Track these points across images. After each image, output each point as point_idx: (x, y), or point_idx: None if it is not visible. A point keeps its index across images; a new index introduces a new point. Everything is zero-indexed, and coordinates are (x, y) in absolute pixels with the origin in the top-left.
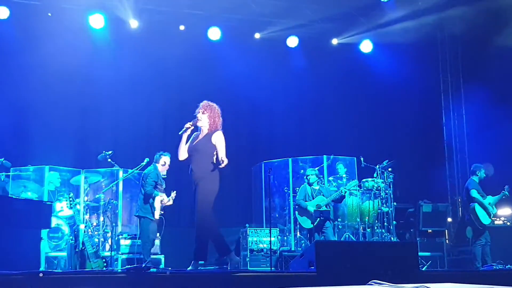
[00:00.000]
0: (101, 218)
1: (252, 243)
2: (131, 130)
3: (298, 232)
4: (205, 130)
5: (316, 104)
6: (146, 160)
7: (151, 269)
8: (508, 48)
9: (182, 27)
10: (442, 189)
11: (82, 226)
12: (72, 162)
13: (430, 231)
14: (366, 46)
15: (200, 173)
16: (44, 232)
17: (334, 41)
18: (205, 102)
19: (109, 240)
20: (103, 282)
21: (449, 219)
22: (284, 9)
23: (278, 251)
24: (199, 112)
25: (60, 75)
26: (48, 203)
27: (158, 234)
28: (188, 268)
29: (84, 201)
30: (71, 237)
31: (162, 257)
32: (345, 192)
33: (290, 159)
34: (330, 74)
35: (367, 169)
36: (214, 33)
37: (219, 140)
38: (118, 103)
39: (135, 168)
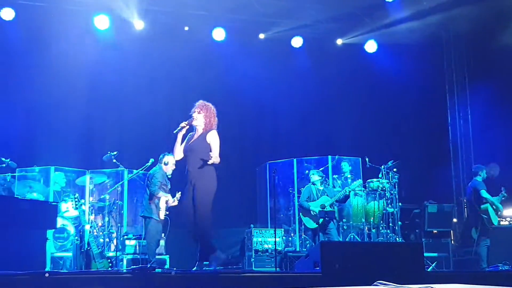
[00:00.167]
0: (106, 219)
1: (257, 243)
2: (136, 130)
3: (303, 233)
4: (200, 129)
5: (320, 104)
6: (151, 160)
7: (156, 269)
8: None
9: (186, 28)
10: (447, 189)
11: (87, 227)
12: (78, 162)
13: (436, 231)
14: (371, 46)
15: (196, 173)
16: (49, 233)
17: (339, 41)
18: (201, 102)
19: (114, 241)
20: (109, 282)
21: (455, 220)
22: (289, 9)
23: (283, 252)
24: (195, 111)
25: (65, 76)
26: (53, 203)
27: (163, 235)
28: (193, 269)
29: (89, 201)
30: (76, 237)
31: (167, 257)
32: (349, 192)
33: (294, 160)
34: (334, 74)
35: (372, 169)
36: (219, 34)
37: (213, 139)
38: (123, 103)
39: (140, 169)
